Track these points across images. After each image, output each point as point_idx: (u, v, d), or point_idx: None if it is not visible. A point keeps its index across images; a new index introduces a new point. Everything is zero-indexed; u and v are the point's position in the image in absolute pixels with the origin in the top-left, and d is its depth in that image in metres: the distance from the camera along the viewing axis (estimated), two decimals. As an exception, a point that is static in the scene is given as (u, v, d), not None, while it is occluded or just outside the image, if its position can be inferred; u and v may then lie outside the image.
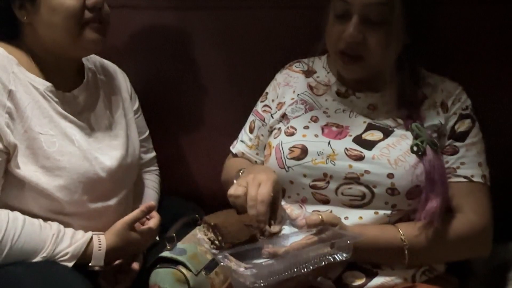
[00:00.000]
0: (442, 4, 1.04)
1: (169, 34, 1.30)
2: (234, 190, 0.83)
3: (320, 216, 0.81)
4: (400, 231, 0.88)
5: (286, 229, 0.86)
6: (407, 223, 0.90)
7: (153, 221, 1.01)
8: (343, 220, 0.87)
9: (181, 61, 1.31)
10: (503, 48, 1.10)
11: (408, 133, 0.92)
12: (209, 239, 0.81)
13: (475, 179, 0.91)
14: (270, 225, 0.82)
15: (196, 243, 0.90)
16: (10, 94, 0.89)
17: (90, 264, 0.92)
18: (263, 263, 0.73)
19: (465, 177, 0.91)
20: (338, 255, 0.76)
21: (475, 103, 0.97)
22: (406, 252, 0.87)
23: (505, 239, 1.04)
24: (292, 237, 0.81)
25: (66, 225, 0.94)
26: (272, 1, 1.21)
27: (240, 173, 0.96)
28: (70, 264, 0.89)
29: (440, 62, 1.02)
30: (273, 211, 0.83)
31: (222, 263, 0.74)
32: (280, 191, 0.88)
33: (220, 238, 0.79)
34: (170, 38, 1.31)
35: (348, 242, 0.77)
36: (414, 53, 0.94)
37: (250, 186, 0.82)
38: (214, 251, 0.79)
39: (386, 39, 0.87)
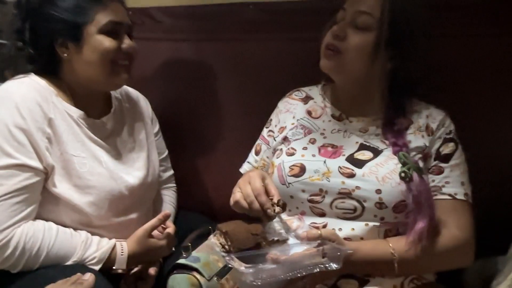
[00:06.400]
0: (433, 37, 1.11)
1: (187, 63, 1.41)
2: (233, 198, 0.93)
3: (319, 231, 0.89)
4: (391, 245, 0.95)
5: (291, 240, 0.94)
6: (397, 238, 0.97)
7: (170, 228, 1.11)
8: (337, 232, 0.95)
9: (197, 88, 1.41)
10: (485, 78, 1.17)
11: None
12: (220, 243, 0.92)
13: (458, 197, 0.98)
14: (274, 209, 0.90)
15: (209, 253, 0.97)
16: (50, 121, 1.00)
17: (114, 268, 1.01)
18: (261, 265, 0.81)
19: (449, 195, 0.99)
20: (329, 264, 0.83)
21: (459, 128, 1.04)
22: (395, 265, 0.94)
23: (495, 252, 1.10)
24: (294, 247, 0.88)
25: (93, 235, 1.03)
26: (281, 34, 1.30)
27: None
28: (97, 268, 0.98)
29: (428, 91, 1.08)
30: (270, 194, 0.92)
31: (228, 263, 0.83)
32: (267, 177, 0.95)
33: (229, 243, 0.90)
34: (187, 67, 1.41)
35: (338, 254, 0.84)
36: (401, 84, 1.03)
37: (242, 187, 0.92)
38: (223, 253, 0.89)
39: (366, 44, 0.97)
